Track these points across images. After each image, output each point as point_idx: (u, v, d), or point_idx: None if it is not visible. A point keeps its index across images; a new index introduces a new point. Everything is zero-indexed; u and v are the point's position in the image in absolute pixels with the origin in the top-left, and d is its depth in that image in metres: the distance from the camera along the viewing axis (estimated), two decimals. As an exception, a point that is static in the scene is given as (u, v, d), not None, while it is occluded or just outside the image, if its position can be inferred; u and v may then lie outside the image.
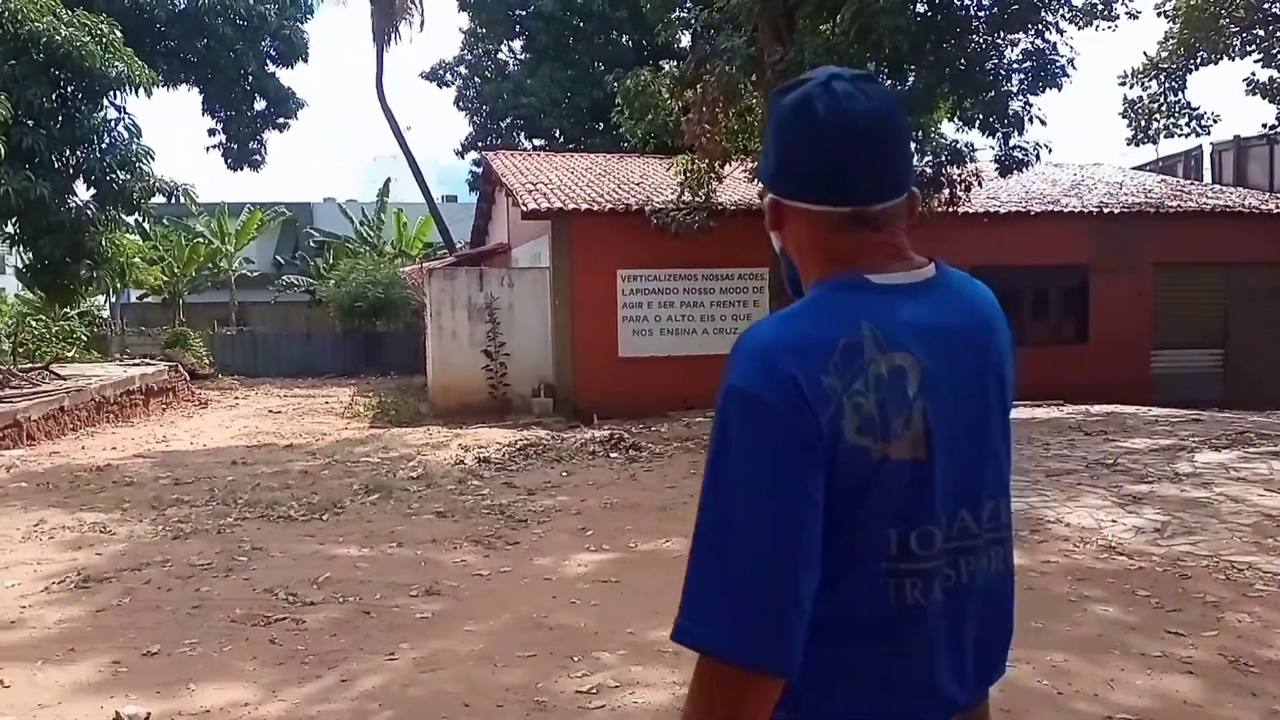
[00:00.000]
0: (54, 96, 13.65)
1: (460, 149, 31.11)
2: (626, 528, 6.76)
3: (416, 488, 8.30)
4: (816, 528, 1.11)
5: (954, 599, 1.20)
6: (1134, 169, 22.48)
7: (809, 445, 1.10)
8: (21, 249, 14.61)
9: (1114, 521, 6.61)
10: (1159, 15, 19.60)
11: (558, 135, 28.85)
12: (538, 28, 28.13)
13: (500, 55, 30.67)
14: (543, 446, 10.29)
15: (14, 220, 13.71)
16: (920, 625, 1.18)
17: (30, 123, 13.17)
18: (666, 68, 15.63)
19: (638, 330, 14.72)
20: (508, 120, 29.45)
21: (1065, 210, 16.36)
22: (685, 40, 21.12)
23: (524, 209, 14.38)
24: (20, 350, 17.10)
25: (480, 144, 28.87)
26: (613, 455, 9.81)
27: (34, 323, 19.29)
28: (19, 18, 12.88)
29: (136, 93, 14.74)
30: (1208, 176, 20.90)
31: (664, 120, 15.35)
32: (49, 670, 4.20)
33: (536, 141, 29.26)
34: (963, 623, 1.22)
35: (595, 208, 14.51)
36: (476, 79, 30.28)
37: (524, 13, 28.68)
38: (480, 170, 23.00)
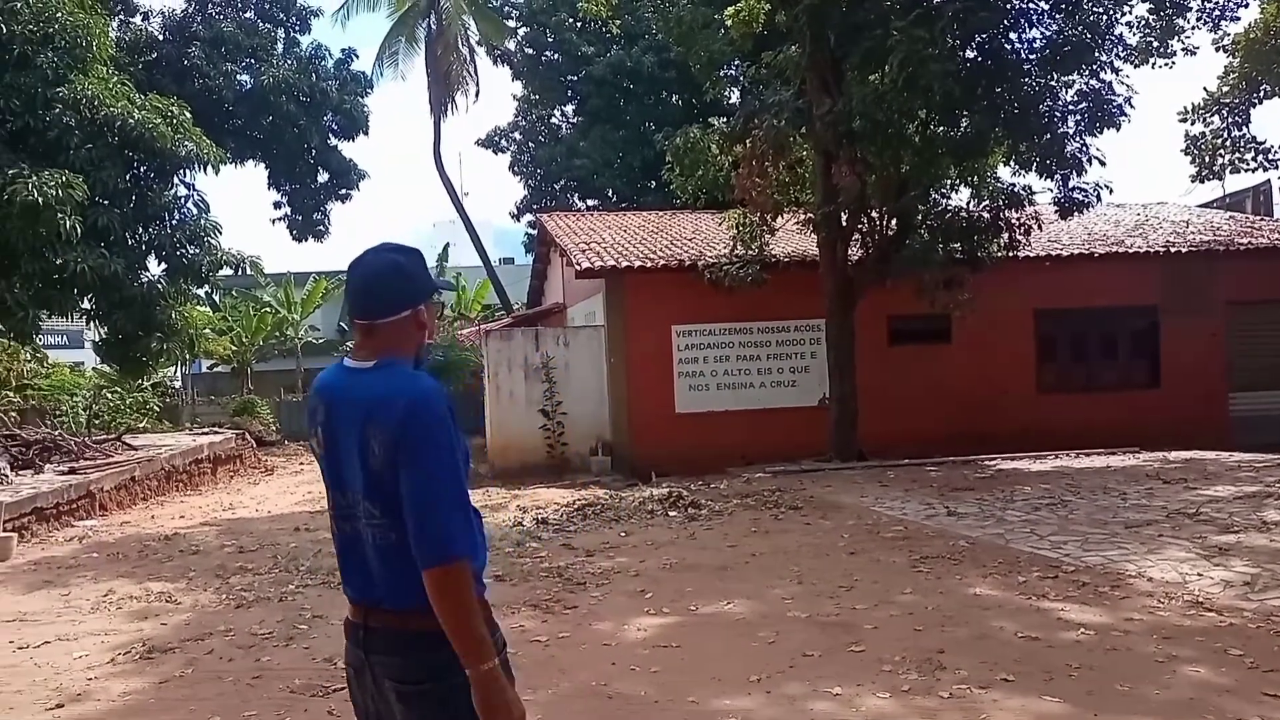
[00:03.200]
0: (127, 177, 14.20)
1: (516, 212, 31.71)
2: (687, 589, 6.62)
3: (475, 551, 8.24)
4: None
5: (347, 540, 2.14)
6: (1200, 206, 21.93)
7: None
8: (98, 324, 15.11)
9: (1200, 575, 6.28)
10: (1218, 50, 19.28)
11: (611, 195, 29.21)
12: (589, 91, 28.68)
13: (553, 120, 31.31)
14: (601, 506, 10.21)
15: (90, 296, 14.21)
16: (340, 549, 2.16)
17: (105, 202, 13.71)
18: (716, 124, 15.80)
19: (694, 386, 14.65)
20: (561, 182, 29.93)
21: (1131, 251, 15.96)
22: (734, 97, 21.37)
23: (578, 268, 14.50)
24: (96, 422, 17.63)
25: (535, 206, 29.37)
26: (671, 514, 9.68)
27: (109, 395, 19.90)
28: (95, 104, 13.49)
29: (205, 170, 15.30)
30: (1279, 211, 20.28)
31: (714, 176, 15.45)
32: (111, 745, 4.20)
33: (590, 202, 29.67)
34: (352, 554, 2.13)
35: (648, 265, 14.58)
36: (531, 144, 30.91)
37: (575, 78, 29.30)
38: (535, 232, 23.38)
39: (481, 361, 16.58)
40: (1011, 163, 13.32)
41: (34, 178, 12.01)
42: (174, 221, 14.97)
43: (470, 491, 2.15)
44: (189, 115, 15.07)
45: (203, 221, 15.17)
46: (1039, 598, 5.97)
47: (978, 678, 4.55)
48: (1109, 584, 6.20)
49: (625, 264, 14.53)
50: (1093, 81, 12.46)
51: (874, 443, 13.44)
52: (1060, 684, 4.44)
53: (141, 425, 19.24)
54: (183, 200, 15.25)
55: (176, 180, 15.21)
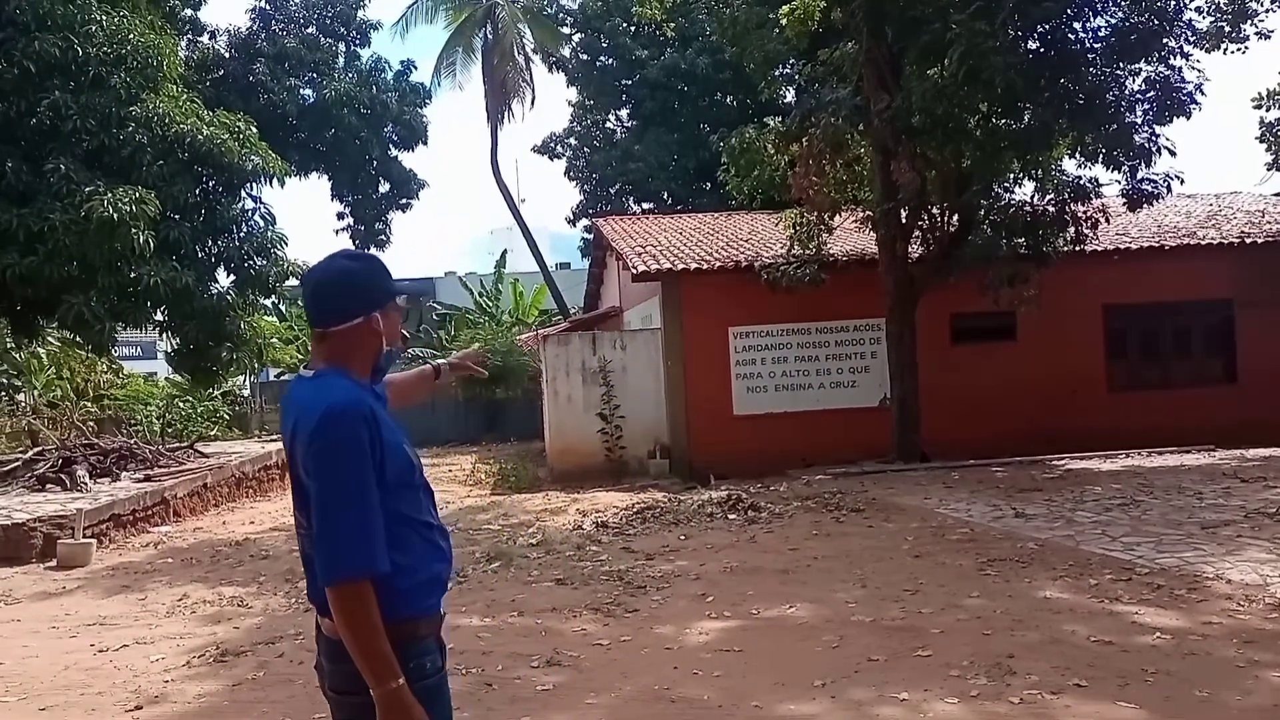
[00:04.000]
0: (197, 191, 14.60)
1: (572, 217, 31.87)
2: (748, 593, 6.58)
3: (536, 555, 8.31)
4: None
5: (305, 556, 2.13)
6: (1276, 195, 21.13)
7: None
8: (170, 335, 15.56)
9: (1283, 577, 6.06)
10: (1293, 33, 18.55)
11: (666, 198, 29.22)
12: (643, 95, 28.75)
13: (608, 124, 31.43)
14: (660, 509, 10.20)
15: (163, 308, 14.64)
16: (302, 555, 2.16)
17: (176, 217, 14.11)
18: (771, 124, 15.68)
19: (752, 388, 14.56)
20: (617, 186, 30.04)
21: (1203, 243, 15.46)
22: (789, 96, 21.19)
23: (634, 271, 14.52)
24: (169, 430, 18.17)
25: (591, 211, 29.51)
26: (731, 517, 9.63)
27: (181, 404, 20.50)
28: (166, 121, 13.90)
29: (271, 183, 15.66)
30: (1362, 198, 19.41)
31: (770, 176, 15.36)
32: (187, 745, 4.32)
33: (645, 205, 29.71)
34: (306, 561, 2.13)
35: (705, 266, 14.54)
36: (586, 149, 31.07)
37: (630, 82, 29.39)
38: (591, 236, 23.47)
39: (539, 366, 16.71)
40: (1077, 155, 12.97)
41: (109, 194, 12.41)
42: (242, 234, 15.34)
43: (431, 506, 2.15)
44: (255, 130, 15.43)
45: (269, 234, 15.53)
46: (1112, 601, 5.81)
47: (1049, 683, 4.44)
48: (1185, 586, 6.02)
49: (681, 266, 14.52)
50: (1161, 69, 12.09)
51: (937, 444, 13.22)
52: (1136, 689, 4.31)
53: (212, 433, 19.78)
54: (250, 213, 15.63)
55: (244, 194, 15.58)
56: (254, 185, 15.52)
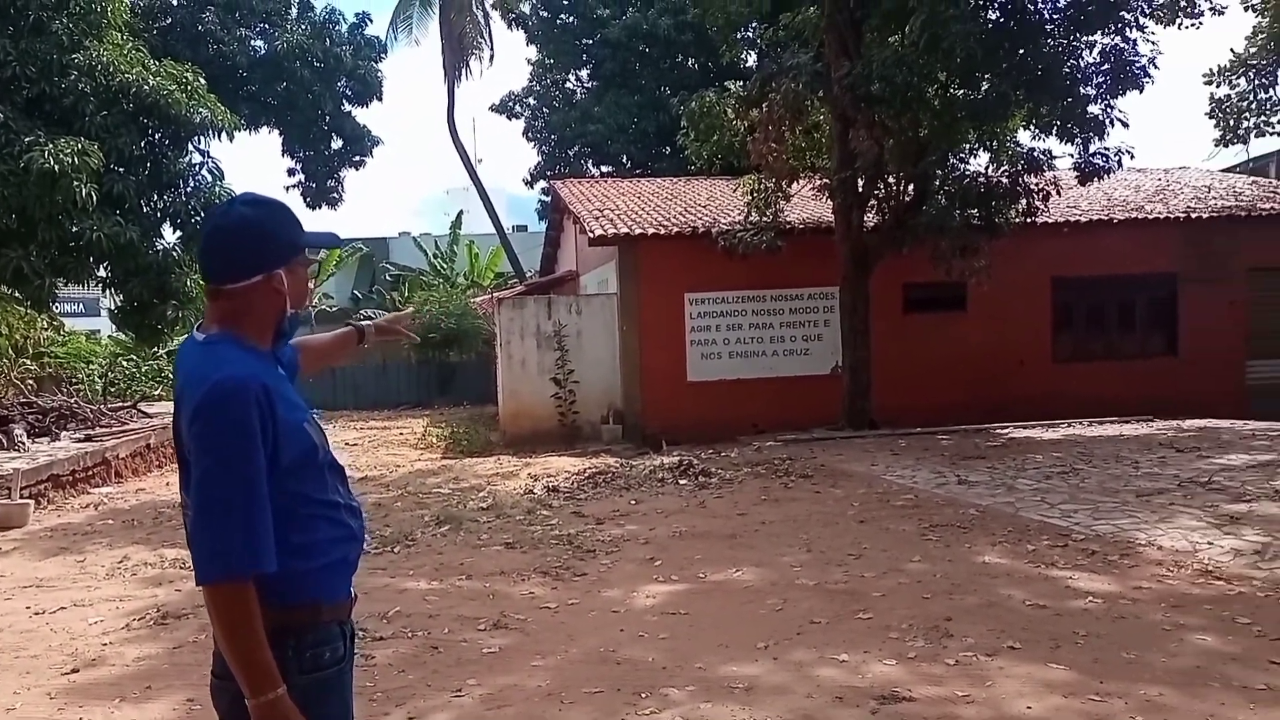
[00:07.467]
0: (143, 144, 14.16)
1: (529, 179, 31.55)
2: (696, 557, 6.64)
3: (486, 518, 8.31)
4: None
5: (189, 538, 1.82)
6: (1223, 171, 21.57)
7: None
8: (113, 291, 15.17)
9: (1210, 544, 6.25)
10: (1246, 10, 18.84)
11: (625, 161, 29.02)
12: (604, 55, 28.41)
13: (568, 84, 31.03)
14: (611, 474, 10.23)
15: (106, 264, 14.25)
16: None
17: (120, 170, 13.70)
18: (732, 88, 15.59)
19: (706, 354, 14.61)
20: (575, 148, 29.74)
21: (1150, 217, 15.74)
22: (751, 60, 21.11)
23: (591, 235, 14.44)
24: (112, 390, 17.77)
25: (549, 173, 29.21)
26: (682, 482, 9.70)
27: (125, 363, 20.03)
28: (110, 70, 13.44)
29: (220, 137, 15.21)
30: (1304, 176, 19.93)
31: (730, 141, 15.30)
32: (125, 709, 4.26)
33: (604, 168, 29.49)
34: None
35: (662, 231, 14.50)
36: (545, 109, 30.68)
37: (590, 42, 29.01)
38: (549, 199, 23.26)
39: (493, 329, 16.60)
40: (1032, 126, 13.11)
41: (50, 145, 12.01)
42: (189, 189, 14.94)
43: (340, 484, 1.97)
44: (203, 81, 14.99)
45: (217, 189, 15.12)
46: (1048, 566, 5.96)
47: (985, 645, 4.55)
48: (1119, 552, 6.18)
49: (639, 231, 14.46)
50: (1117, 40, 12.18)
51: (887, 411, 13.40)
52: (1067, 652, 4.44)
53: (157, 393, 19.39)
54: (197, 167, 15.20)
55: (191, 147, 15.15)
56: (202, 139, 15.08)
